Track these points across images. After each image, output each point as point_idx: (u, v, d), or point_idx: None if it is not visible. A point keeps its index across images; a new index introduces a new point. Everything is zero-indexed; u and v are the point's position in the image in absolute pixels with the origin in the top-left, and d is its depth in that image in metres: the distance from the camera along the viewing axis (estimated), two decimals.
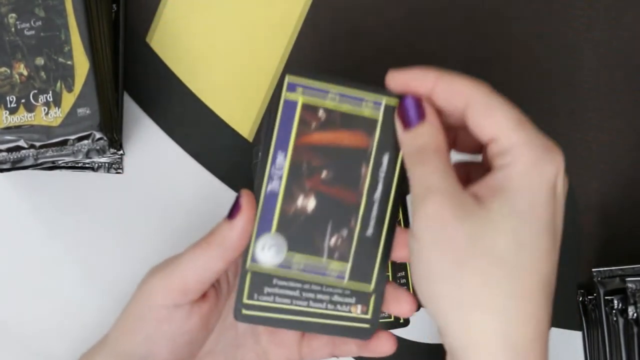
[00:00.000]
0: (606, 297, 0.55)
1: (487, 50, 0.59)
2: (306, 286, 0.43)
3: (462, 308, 0.41)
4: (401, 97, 0.44)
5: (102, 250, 0.57)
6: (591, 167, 0.59)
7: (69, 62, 0.49)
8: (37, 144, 0.50)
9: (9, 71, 0.49)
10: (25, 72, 0.49)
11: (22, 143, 0.50)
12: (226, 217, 0.43)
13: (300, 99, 0.43)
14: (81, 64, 0.50)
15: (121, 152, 0.53)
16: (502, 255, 0.40)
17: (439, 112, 0.44)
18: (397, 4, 0.58)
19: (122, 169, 0.57)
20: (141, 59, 0.58)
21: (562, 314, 0.59)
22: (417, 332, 0.58)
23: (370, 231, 0.44)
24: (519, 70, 0.59)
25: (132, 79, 0.58)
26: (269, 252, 0.43)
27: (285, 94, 0.43)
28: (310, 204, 0.44)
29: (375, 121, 0.44)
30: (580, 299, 0.58)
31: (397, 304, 0.45)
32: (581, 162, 0.59)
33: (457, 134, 0.46)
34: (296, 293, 0.43)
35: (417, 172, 0.42)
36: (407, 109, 0.43)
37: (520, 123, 0.42)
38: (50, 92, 0.49)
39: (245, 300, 0.43)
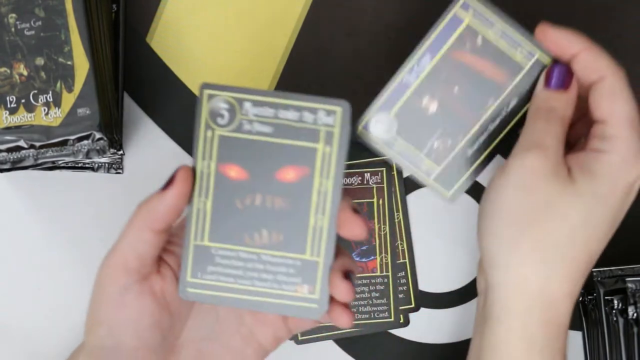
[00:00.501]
0: (606, 297, 0.55)
1: None
2: (249, 265, 0.43)
3: (523, 248, 0.46)
4: (555, 61, 0.48)
5: (103, 250, 0.57)
6: None
7: (69, 62, 0.49)
8: (37, 144, 0.50)
9: (9, 71, 0.49)
10: (25, 72, 0.49)
11: (22, 143, 0.50)
12: (160, 188, 0.43)
13: (467, 19, 0.48)
14: (81, 64, 0.50)
15: (121, 152, 0.54)
16: (569, 224, 0.46)
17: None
18: (397, 4, 0.58)
19: (122, 169, 0.57)
20: (141, 59, 0.58)
21: None
22: (417, 332, 0.58)
23: (469, 152, 0.49)
24: None
25: (132, 79, 0.58)
26: (381, 127, 0.48)
27: (456, 9, 0.48)
28: (432, 107, 0.48)
29: (521, 68, 0.48)
30: (580, 298, 0.58)
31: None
32: None
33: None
34: (239, 272, 0.43)
35: (538, 125, 0.47)
36: (559, 73, 0.48)
37: (633, 121, 0.47)
38: (50, 92, 0.49)
39: (189, 279, 0.43)
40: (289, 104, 0.42)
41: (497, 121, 0.49)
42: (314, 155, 0.42)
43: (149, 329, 0.44)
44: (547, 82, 0.48)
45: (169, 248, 0.45)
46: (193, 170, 0.43)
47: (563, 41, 0.48)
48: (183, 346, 0.46)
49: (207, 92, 0.42)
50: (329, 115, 0.42)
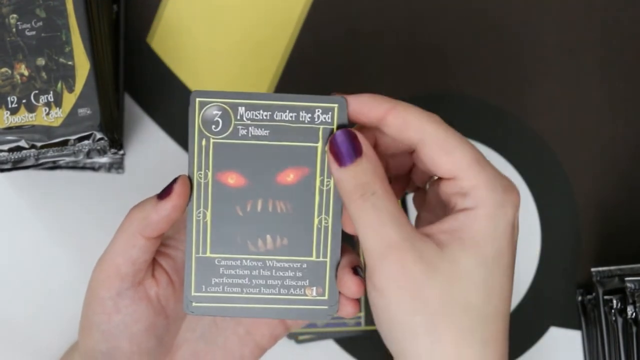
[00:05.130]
0: (605, 297, 0.55)
1: (486, 49, 0.59)
2: (255, 272, 0.43)
3: (441, 357, 0.40)
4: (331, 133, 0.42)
5: (103, 250, 0.57)
6: (590, 168, 0.59)
7: (70, 63, 0.50)
8: (38, 144, 0.50)
9: (10, 71, 0.49)
10: (26, 73, 0.50)
11: (23, 143, 0.50)
12: (156, 195, 0.42)
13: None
14: (82, 65, 0.50)
15: (122, 152, 0.54)
16: (475, 306, 0.40)
17: (376, 144, 0.43)
18: (397, 4, 0.58)
19: (122, 168, 0.57)
20: (142, 60, 0.58)
21: (561, 313, 0.59)
22: None
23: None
24: (519, 72, 0.59)
25: (133, 79, 0.58)
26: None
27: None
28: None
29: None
30: (580, 298, 0.58)
31: (346, 286, 0.42)
32: (580, 162, 0.59)
33: (387, 160, 0.45)
34: (245, 281, 0.43)
35: (365, 218, 0.40)
36: (342, 142, 0.41)
37: (479, 163, 0.41)
38: (51, 92, 0.49)
39: (194, 293, 0.43)
40: (285, 105, 0.42)
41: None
42: (314, 154, 0.42)
43: (144, 334, 0.43)
44: (338, 160, 0.41)
45: (164, 251, 0.45)
46: (190, 181, 0.42)
47: (361, 108, 0.41)
48: (179, 347, 0.46)
49: (198, 100, 0.42)
50: (326, 113, 0.42)
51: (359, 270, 0.42)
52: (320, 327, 0.58)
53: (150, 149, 0.58)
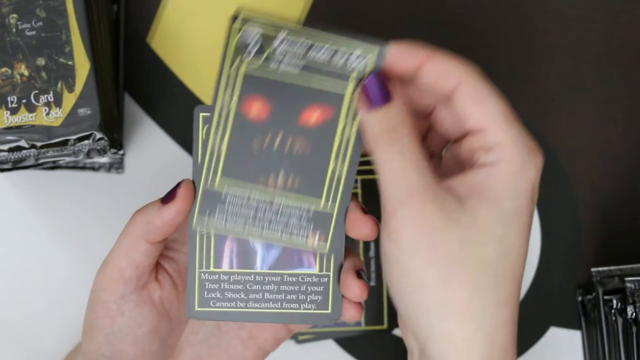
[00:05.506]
0: (605, 297, 0.55)
1: (486, 49, 0.59)
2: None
3: (449, 318, 0.39)
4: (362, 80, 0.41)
5: (103, 250, 0.57)
6: (590, 167, 0.59)
7: (70, 63, 0.50)
8: (38, 144, 0.50)
9: (10, 71, 0.49)
10: (26, 73, 0.50)
11: (23, 143, 0.50)
12: (160, 200, 0.42)
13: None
14: (82, 65, 0.50)
15: (122, 152, 0.54)
16: (491, 262, 0.39)
17: (412, 98, 0.42)
18: (397, 5, 0.58)
19: (122, 168, 0.57)
20: (141, 60, 0.58)
21: (561, 313, 0.59)
22: None
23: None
24: (520, 71, 0.59)
25: (133, 79, 0.58)
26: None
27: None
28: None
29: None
30: (580, 298, 0.58)
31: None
32: (580, 162, 0.59)
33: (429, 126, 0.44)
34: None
35: (389, 163, 0.39)
36: (372, 87, 0.40)
37: (509, 119, 0.40)
38: (51, 92, 0.50)
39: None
40: (324, 41, 0.39)
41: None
42: (341, 100, 0.40)
43: (147, 337, 0.43)
44: (369, 102, 0.40)
45: (167, 254, 0.45)
46: (194, 185, 0.42)
47: (400, 55, 0.40)
48: (182, 350, 0.46)
49: (239, 20, 0.39)
50: (362, 57, 0.40)
51: (362, 274, 0.42)
52: (320, 327, 0.58)
53: (150, 149, 0.58)
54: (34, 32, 0.50)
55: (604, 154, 0.59)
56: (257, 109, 0.41)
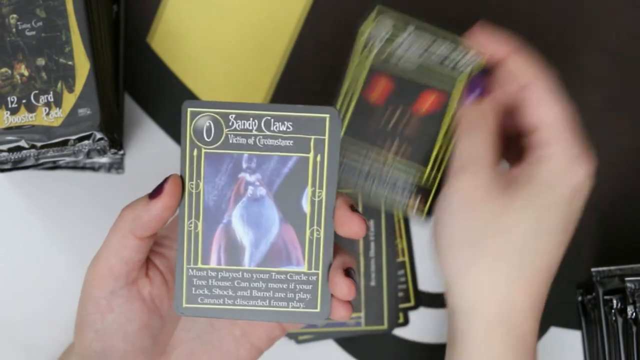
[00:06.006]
0: (605, 297, 0.55)
1: None
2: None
3: (475, 271, 0.46)
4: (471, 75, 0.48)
5: None
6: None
7: (70, 63, 0.50)
8: (38, 144, 0.50)
9: (10, 72, 0.49)
10: (26, 73, 0.50)
11: (23, 143, 0.50)
12: (147, 195, 0.42)
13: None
14: (82, 65, 0.50)
15: (122, 152, 0.54)
16: (520, 237, 0.45)
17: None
18: (397, 4, 0.58)
19: (122, 168, 0.57)
20: (141, 60, 0.58)
21: (561, 313, 0.59)
22: (417, 332, 0.58)
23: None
24: None
25: (133, 79, 0.58)
26: None
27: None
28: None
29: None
30: (580, 298, 0.58)
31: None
32: None
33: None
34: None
35: (465, 142, 0.47)
36: (472, 82, 0.48)
37: (568, 124, 0.46)
38: (51, 92, 0.50)
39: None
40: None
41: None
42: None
43: (138, 333, 0.43)
44: (465, 97, 0.48)
45: (158, 250, 0.45)
46: (182, 180, 0.42)
47: (490, 44, 0.48)
48: (175, 347, 0.46)
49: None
50: (474, 58, 0.46)
51: (351, 272, 0.42)
52: (320, 327, 0.58)
53: (150, 149, 0.58)
54: (34, 32, 0.50)
55: (603, 153, 0.59)
56: (379, 89, 0.47)
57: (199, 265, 0.42)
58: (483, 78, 0.48)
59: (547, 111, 0.46)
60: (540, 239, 0.46)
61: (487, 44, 0.48)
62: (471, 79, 0.48)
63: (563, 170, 0.46)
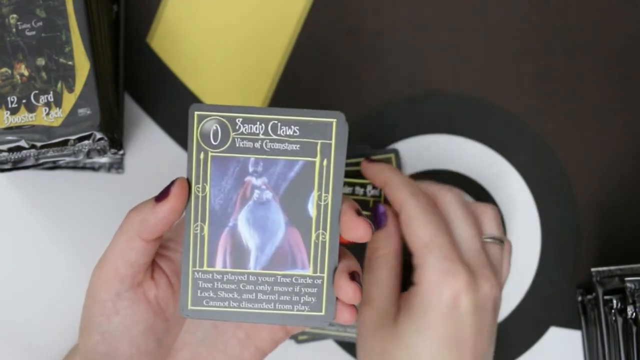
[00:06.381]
0: (605, 297, 0.55)
1: (487, 49, 0.59)
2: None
3: None
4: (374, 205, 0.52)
5: (103, 250, 0.57)
6: (591, 167, 0.59)
7: (70, 63, 0.50)
8: (38, 144, 0.50)
9: (10, 72, 0.49)
10: (26, 73, 0.50)
11: (23, 143, 0.50)
12: (154, 198, 0.42)
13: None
14: (82, 65, 0.50)
15: (122, 152, 0.54)
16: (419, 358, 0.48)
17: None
18: (397, 4, 0.58)
19: (122, 168, 0.57)
20: (141, 60, 0.58)
21: (561, 313, 0.59)
22: None
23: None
24: (519, 72, 0.59)
25: (133, 79, 0.58)
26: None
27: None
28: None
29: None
30: (580, 298, 0.58)
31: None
32: (580, 162, 0.59)
33: None
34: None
35: (366, 275, 0.51)
36: (374, 214, 0.52)
37: (430, 245, 0.49)
38: (51, 92, 0.49)
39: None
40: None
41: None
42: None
43: (143, 335, 0.43)
44: (371, 226, 0.46)
45: (163, 253, 0.45)
46: (189, 183, 0.42)
47: (374, 176, 0.52)
48: (179, 349, 0.46)
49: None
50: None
51: (356, 276, 0.42)
52: (320, 329, 0.58)
53: (150, 149, 0.58)
54: (34, 32, 0.50)
55: (604, 154, 0.59)
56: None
57: (205, 268, 0.42)
58: (385, 210, 0.51)
59: (413, 236, 0.49)
60: (441, 356, 0.48)
61: (373, 176, 0.52)
62: (375, 211, 0.51)
63: (431, 291, 0.48)
